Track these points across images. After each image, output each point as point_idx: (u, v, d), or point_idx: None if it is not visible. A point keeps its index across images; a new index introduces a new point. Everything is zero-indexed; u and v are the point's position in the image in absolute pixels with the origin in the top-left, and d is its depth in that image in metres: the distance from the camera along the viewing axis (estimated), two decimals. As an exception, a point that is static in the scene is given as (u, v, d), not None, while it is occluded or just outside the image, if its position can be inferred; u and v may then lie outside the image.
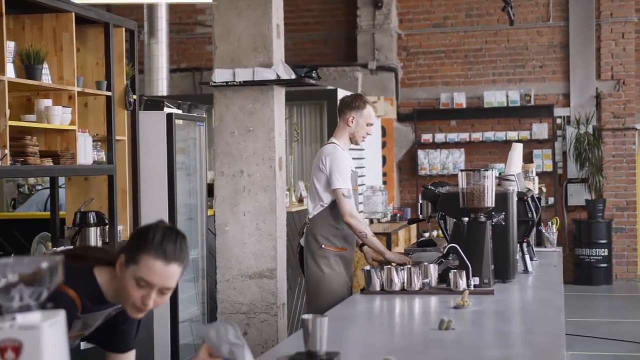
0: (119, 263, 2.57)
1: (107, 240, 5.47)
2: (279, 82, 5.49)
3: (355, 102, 5.19)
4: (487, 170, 4.29)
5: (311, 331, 2.64)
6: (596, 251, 11.92)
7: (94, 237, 5.25)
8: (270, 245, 5.53)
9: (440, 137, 12.56)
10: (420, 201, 5.05)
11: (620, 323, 9.55)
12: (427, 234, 10.12)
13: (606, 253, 11.95)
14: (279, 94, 5.66)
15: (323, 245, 5.07)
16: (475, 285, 4.12)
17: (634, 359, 7.82)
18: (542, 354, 2.82)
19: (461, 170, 4.33)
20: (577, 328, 8.82)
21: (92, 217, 5.27)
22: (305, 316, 2.66)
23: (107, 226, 5.44)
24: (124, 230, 5.71)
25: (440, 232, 5.51)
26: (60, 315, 1.74)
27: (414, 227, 10.56)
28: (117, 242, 5.55)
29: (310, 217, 5.18)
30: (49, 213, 5.69)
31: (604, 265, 11.96)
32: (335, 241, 5.09)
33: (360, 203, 9.56)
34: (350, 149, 5.64)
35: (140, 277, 2.51)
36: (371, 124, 5.22)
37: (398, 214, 10.50)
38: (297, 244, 5.42)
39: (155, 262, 2.51)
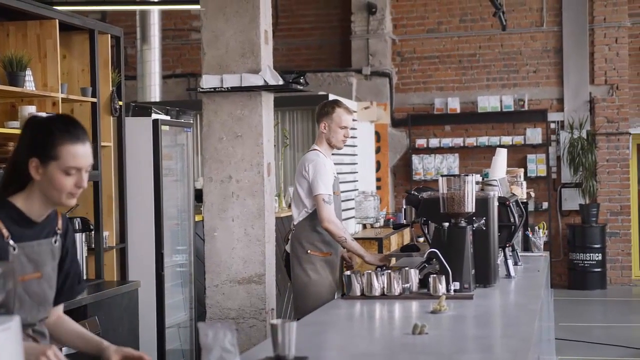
0: (33, 167, 2.61)
1: (92, 246, 5.48)
2: (266, 88, 5.50)
3: (325, 108, 5.28)
4: (468, 175, 4.30)
5: (280, 336, 2.66)
6: (590, 256, 11.92)
7: (79, 243, 5.26)
8: (258, 250, 5.54)
9: (434, 142, 12.58)
10: (404, 206, 5.07)
11: (613, 327, 9.55)
12: (422, 239, 10.11)
13: (600, 257, 11.95)
14: (267, 99, 5.67)
15: (309, 251, 5.15)
16: (455, 290, 4.13)
17: (626, 364, 7.82)
18: (509, 357, 2.84)
19: (442, 176, 4.35)
20: (570, 333, 8.82)
21: (77, 223, 5.28)
22: (274, 321, 2.68)
23: (92, 232, 5.46)
24: (109, 236, 5.72)
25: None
26: (15, 321, 1.75)
27: (407, 232, 10.57)
28: (103, 248, 5.56)
29: (295, 223, 5.26)
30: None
31: (598, 269, 11.96)
32: (320, 246, 5.15)
33: (351, 209, 9.59)
34: (341, 154, 5.69)
35: (68, 166, 2.60)
36: (345, 127, 5.25)
37: (392, 219, 10.51)
38: (284, 252, 5.47)
39: (75, 148, 2.60)
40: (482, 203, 4.41)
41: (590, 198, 12.08)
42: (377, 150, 12.04)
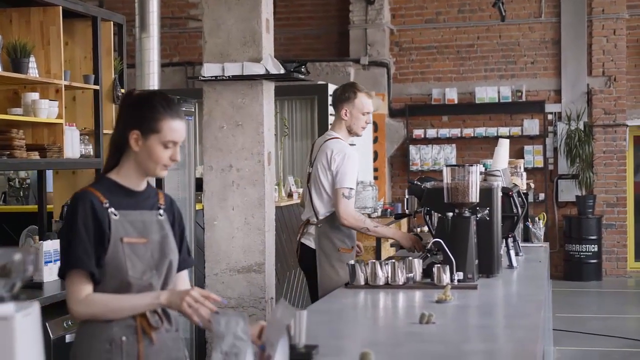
0: (133, 139, 2.78)
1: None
2: (268, 76, 5.49)
3: (345, 93, 5.01)
4: (472, 165, 4.30)
5: (291, 324, 2.66)
6: (586, 247, 11.96)
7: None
8: (258, 239, 5.53)
9: (432, 132, 12.59)
10: (407, 196, 5.06)
11: (609, 319, 9.59)
12: (418, 229, 10.13)
13: (596, 249, 11.99)
14: (268, 88, 5.66)
15: (340, 249, 4.96)
16: (459, 280, 4.13)
17: (622, 355, 7.84)
18: (517, 347, 2.85)
19: (446, 166, 4.34)
20: (566, 323, 8.85)
21: (79, 211, 5.25)
22: (285, 309, 2.67)
23: (94, 220, 5.44)
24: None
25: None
26: (35, 307, 1.75)
27: (404, 222, 10.58)
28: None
29: (320, 217, 4.99)
30: (36, 207, 5.69)
31: (594, 261, 12.00)
32: (347, 242, 5.00)
33: (350, 198, 9.58)
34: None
35: (168, 140, 2.78)
36: (367, 112, 4.99)
37: (389, 209, 10.52)
38: (297, 242, 5.27)
39: (174, 123, 2.79)
40: (486, 193, 4.42)
41: (586, 189, 12.11)
42: (375, 140, 12.04)
